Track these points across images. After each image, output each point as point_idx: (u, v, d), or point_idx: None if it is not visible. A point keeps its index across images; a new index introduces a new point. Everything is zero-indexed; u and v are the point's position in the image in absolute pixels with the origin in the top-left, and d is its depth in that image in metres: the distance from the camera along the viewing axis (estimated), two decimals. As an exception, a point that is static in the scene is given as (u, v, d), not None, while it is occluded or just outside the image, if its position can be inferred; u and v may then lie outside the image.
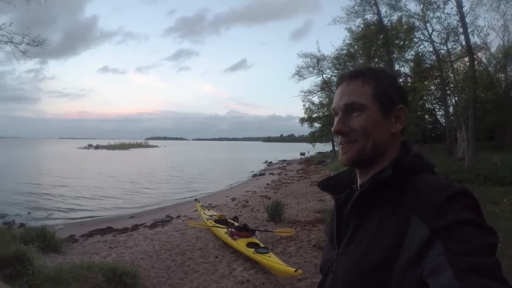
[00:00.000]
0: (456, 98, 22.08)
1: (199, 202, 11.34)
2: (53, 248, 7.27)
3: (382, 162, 1.04)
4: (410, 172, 0.97)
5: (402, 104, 1.05)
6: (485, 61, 24.77)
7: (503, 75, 24.56)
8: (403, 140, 1.09)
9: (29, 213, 13.82)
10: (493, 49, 24.72)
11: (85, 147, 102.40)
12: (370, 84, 1.04)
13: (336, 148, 42.32)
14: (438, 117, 34.20)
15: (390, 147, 1.04)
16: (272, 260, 5.89)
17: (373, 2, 23.39)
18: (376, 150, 1.03)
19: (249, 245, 6.69)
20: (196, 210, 11.37)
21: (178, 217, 11.78)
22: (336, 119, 1.08)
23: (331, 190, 1.19)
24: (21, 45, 8.69)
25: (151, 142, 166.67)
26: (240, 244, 6.83)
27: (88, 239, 8.94)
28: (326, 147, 47.51)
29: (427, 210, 0.84)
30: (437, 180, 0.94)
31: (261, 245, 6.77)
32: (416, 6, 22.63)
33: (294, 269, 5.35)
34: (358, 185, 1.10)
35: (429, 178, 0.95)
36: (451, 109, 23.71)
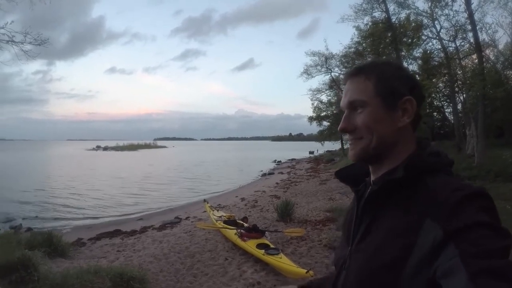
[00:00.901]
0: (464, 95, 21.94)
1: (208, 202, 11.25)
2: (60, 252, 7.19)
3: (394, 158, 1.01)
4: (424, 172, 0.93)
5: (411, 95, 1.00)
6: (493, 58, 24.52)
7: (511, 72, 24.35)
8: (421, 136, 1.06)
9: (36, 216, 13.80)
10: (500, 46, 24.54)
11: (93, 149, 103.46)
12: (372, 79, 1.02)
13: (345, 146, 42.39)
14: (447, 114, 34.01)
15: (399, 141, 1.01)
16: (283, 261, 5.80)
17: (381, 0, 23.31)
18: (382, 146, 1.01)
19: (259, 246, 6.58)
20: (205, 211, 11.25)
21: (187, 218, 11.73)
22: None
23: (349, 181, 1.17)
24: (23, 44, 8.58)
25: (159, 143, 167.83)
26: (250, 245, 6.72)
27: (96, 243, 8.88)
28: (335, 146, 47.55)
29: (441, 210, 0.82)
30: (452, 180, 0.91)
31: (271, 246, 6.66)
32: (424, 3, 22.63)
33: (306, 270, 5.28)
34: (371, 180, 1.07)
35: (444, 178, 0.92)
36: (459, 106, 23.63)
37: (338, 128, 1.07)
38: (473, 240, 0.74)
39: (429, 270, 0.79)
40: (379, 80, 1.01)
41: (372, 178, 1.07)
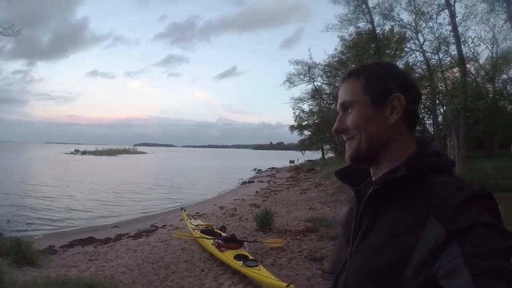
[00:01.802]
0: (445, 107, 22.25)
1: (185, 211, 11.03)
2: (28, 260, 6.88)
3: (393, 158, 0.99)
4: (426, 172, 0.91)
5: (400, 92, 0.99)
6: (474, 71, 25.20)
7: (491, 86, 24.94)
8: (421, 135, 0.86)
9: (8, 221, 13.33)
10: (481, 61, 25.22)
11: (71, 153, 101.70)
12: (361, 79, 1.03)
13: (326, 156, 42.65)
14: (427, 126, 34.60)
15: (393, 140, 1.00)
16: (262, 274, 5.62)
17: (367, 11, 23.79)
18: (373, 145, 1.00)
19: (238, 257, 6.41)
20: (182, 219, 11.05)
21: (163, 226, 11.52)
22: None
23: (348, 181, 1.13)
24: None
25: (139, 149, 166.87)
26: (228, 256, 6.54)
27: (68, 250, 8.62)
28: (316, 155, 47.76)
29: (444, 210, 0.80)
30: (455, 180, 0.89)
31: (250, 257, 6.49)
32: (409, 16, 23.05)
33: (286, 284, 5.10)
34: (372, 181, 1.05)
35: (446, 178, 0.90)
36: (440, 118, 23.91)
37: (332, 130, 1.07)
38: (476, 241, 0.73)
39: (430, 270, 0.77)
40: (368, 80, 1.02)
41: (373, 178, 1.05)
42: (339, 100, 1.06)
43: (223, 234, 7.86)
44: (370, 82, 1.01)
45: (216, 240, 7.24)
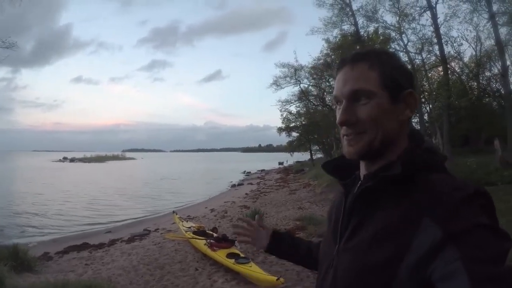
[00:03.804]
0: (430, 106, 22.57)
1: (177, 214, 11.16)
2: (26, 267, 6.99)
3: (388, 153, 0.96)
4: (421, 168, 0.90)
5: (411, 88, 0.97)
6: (458, 70, 25.68)
7: (475, 83, 25.32)
8: (413, 129, 1.03)
9: (1, 230, 13.35)
10: (466, 59, 25.60)
11: (60, 160, 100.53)
12: (376, 68, 0.95)
13: (314, 157, 42.71)
14: (413, 124, 34.92)
15: (398, 137, 0.97)
16: (253, 270, 5.80)
17: (351, 13, 24.14)
18: (387, 141, 0.95)
19: (229, 255, 6.58)
20: (174, 223, 11.16)
21: (156, 230, 11.62)
22: (339, 109, 0.99)
23: (336, 174, 1.12)
24: None
25: (128, 154, 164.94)
26: (220, 255, 6.71)
27: (63, 256, 8.71)
28: (304, 156, 47.88)
29: (440, 210, 0.78)
30: (450, 178, 0.87)
31: (242, 255, 6.67)
32: (392, 17, 23.48)
33: (276, 278, 5.28)
34: (362, 175, 1.03)
35: (441, 176, 0.88)
36: (425, 116, 24.24)
37: (337, 121, 0.98)
38: (474, 244, 0.73)
39: (425, 271, 0.76)
40: (384, 71, 0.95)
41: (364, 172, 1.02)
42: (348, 86, 0.97)
43: (215, 235, 7.98)
44: (387, 74, 0.95)
45: (208, 240, 7.38)
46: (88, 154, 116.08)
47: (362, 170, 1.03)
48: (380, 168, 0.97)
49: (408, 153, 0.93)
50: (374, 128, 0.93)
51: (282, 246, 1.53)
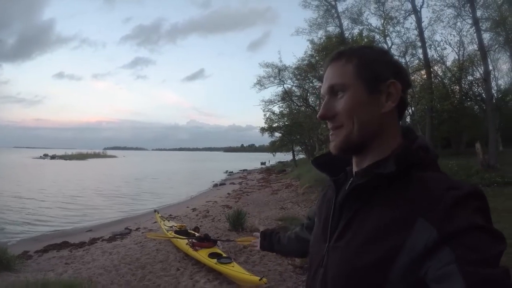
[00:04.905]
0: (413, 108, 22.86)
1: (158, 213, 11.11)
2: (5, 266, 6.90)
3: (379, 148, 0.95)
4: (415, 166, 0.88)
5: (394, 78, 0.94)
6: (441, 73, 26.04)
7: (457, 87, 25.70)
8: (407, 126, 1.02)
9: (-22, 229, 13.06)
10: (448, 63, 25.98)
11: (40, 157, 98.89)
12: (353, 61, 0.95)
13: (297, 158, 42.96)
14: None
15: (384, 129, 0.95)
16: (235, 269, 5.83)
17: (336, 15, 24.42)
18: (366, 134, 0.94)
19: (211, 255, 6.59)
20: (156, 222, 11.14)
21: (137, 229, 11.53)
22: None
23: (326, 169, 1.10)
24: None
25: (109, 152, 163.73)
26: (202, 254, 6.71)
27: (43, 255, 8.60)
28: (286, 157, 48.07)
29: (435, 210, 0.77)
30: (445, 178, 0.86)
31: (224, 255, 6.68)
32: (377, 20, 23.86)
33: (259, 278, 5.30)
34: (354, 172, 1.02)
35: (436, 175, 0.87)
36: (408, 119, 24.54)
37: (317, 116, 0.99)
38: (470, 246, 0.72)
39: (419, 272, 0.76)
40: (361, 63, 0.95)
41: (355, 169, 1.01)
42: (327, 83, 0.99)
43: (197, 234, 7.98)
44: (364, 66, 0.95)
45: (190, 240, 7.38)
46: (69, 152, 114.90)
47: (354, 167, 1.02)
48: (371, 164, 0.96)
49: (402, 150, 0.91)
50: (350, 120, 0.93)
51: (271, 240, 1.82)
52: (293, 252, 1.73)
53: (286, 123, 38.92)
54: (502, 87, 28.24)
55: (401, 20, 22.28)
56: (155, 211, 11.78)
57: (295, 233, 1.63)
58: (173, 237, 7.92)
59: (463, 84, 26.11)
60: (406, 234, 0.78)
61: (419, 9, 20.65)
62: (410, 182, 0.85)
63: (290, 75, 34.93)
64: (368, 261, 0.83)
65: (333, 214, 1.00)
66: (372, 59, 0.96)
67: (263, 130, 40.00)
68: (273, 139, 41.55)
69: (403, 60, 22.85)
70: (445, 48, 23.75)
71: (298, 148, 43.29)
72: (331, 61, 1.00)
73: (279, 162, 54.43)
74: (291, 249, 1.70)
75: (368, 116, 0.93)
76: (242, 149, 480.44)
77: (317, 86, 33.49)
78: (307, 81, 34.31)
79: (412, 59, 23.44)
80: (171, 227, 9.14)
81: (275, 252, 1.84)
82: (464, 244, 0.72)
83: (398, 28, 22.67)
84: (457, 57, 25.83)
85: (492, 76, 21.04)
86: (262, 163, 64.29)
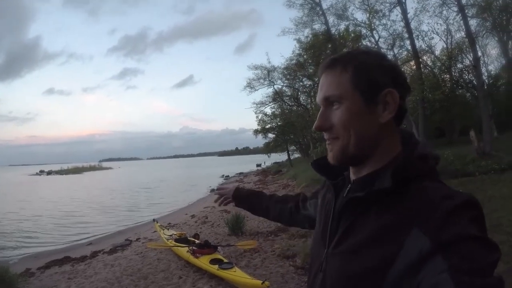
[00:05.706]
0: (405, 101, 22.94)
1: (157, 222, 11.11)
2: (8, 284, 6.89)
3: (377, 156, 0.95)
4: (413, 178, 0.88)
5: (393, 86, 0.92)
6: (430, 63, 26.03)
7: (448, 76, 25.77)
8: (407, 132, 1.02)
9: (-22, 249, 13.01)
10: (437, 52, 25.98)
11: (36, 173, 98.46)
12: (349, 70, 0.93)
13: (292, 157, 43.02)
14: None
15: (382, 139, 0.94)
16: (237, 274, 5.85)
17: (321, 12, 24.45)
18: (363, 145, 0.93)
19: (213, 261, 6.61)
20: (155, 231, 11.15)
21: (137, 239, 11.51)
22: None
23: (325, 172, 1.11)
24: None
25: (105, 164, 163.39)
26: (203, 261, 6.73)
27: (45, 272, 8.56)
28: (281, 157, 48.13)
29: (429, 220, 0.78)
30: (441, 187, 0.87)
31: (225, 260, 6.69)
32: (362, 14, 23.89)
33: (261, 281, 5.32)
34: (352, 179, 1.02)
35: (434, 184, 0.88)
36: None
37: (313, 127, 0.99)
38: (463, 255, 0.72)
39: (413, 280, 0.75)
40: (357, 71, 0.93)
41: (353, 177, 1.01)
42: (322, 93, 0.97)
43: (197, 241, 7.98)
44: (360, 75, 0.93)
45: (190, 247, 7.39)
46: (65, 166, 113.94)
47: (351, 174, 1.02)
48: (368, 174, 0.96)
49: (400, 162, 0.89)
50: (346, 133, 0.93)
51: (243, 195, 1.94)
52: (281, 221, 1.74)
53: (279, 123, 39.05)
54: (492, 72, 28.29)
55: (387, 13, 22.31)
56: (154, 220, 11.75)
57: (290, 209, 1.60)
58: (173, 246, 7.94)
59: (453, 72, 25.96)
60: (401, 243, 0.79)
61: (404, 1, 20.71)
62: (407, 192, 0.86)
63: (280, 75, 35.01)
64: (365, 269, 0.84)
65: (332, 221, 1.01)
66: (368, 66, 0.94)
67: (256, 132, 40.11)
68: (267, 140, 41.66)
69: (391, 53, 22.92)
70: (433, 38, 23.65)
71: (292, 147, 43.38)
72: (325, 68, 0.99)
73: (275, 163, 54.47)
74: (280, 219, 1.71)
75: (365, 127, 0.93)
76: (236, 152, 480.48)
77: (307, 85, 33.59)
78: (297, 80, 34.30)
79: (400, 51, 23.46)
80: (171, 235, 9.14)
81: (255, 214, 1.90)
82: (458, 253, 0.72)
83: (384, 21, 22.68)
84: (445, 45, 25.57)
85: (482, 62, 21.03)
86: (258, 165, 64.19)
